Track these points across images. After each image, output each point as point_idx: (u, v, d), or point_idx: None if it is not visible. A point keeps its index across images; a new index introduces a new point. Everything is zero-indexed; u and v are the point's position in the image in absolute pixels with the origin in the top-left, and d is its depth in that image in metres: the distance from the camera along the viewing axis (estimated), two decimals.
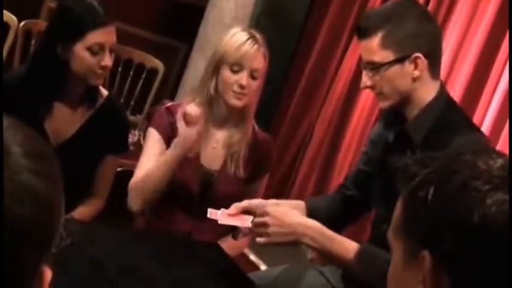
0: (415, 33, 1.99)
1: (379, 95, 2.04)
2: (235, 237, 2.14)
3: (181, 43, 4.63)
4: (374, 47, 1.99)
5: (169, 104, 2.47)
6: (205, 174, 2.43)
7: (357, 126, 3.92)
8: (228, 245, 2.35)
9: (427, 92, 2.03)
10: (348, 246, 1.95)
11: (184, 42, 4.58)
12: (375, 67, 1.99)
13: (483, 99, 3.26)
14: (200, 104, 2.37)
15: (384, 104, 2.06)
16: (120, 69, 4.11)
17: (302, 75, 4.33)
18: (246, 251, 2.62)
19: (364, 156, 2.26)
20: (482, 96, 3.27)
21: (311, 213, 2.18)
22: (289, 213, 2.00)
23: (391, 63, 1.98)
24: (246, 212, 2.05)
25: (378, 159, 2.15)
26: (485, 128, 3.11)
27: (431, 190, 0.94)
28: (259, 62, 2.35)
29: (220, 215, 2.04)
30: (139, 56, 4.25)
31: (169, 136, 2.38)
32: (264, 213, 1.98)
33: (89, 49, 2.24)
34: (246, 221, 2.02)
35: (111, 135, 2.44)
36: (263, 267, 2.55)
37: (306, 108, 4.29)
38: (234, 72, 2.32)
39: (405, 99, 2.03)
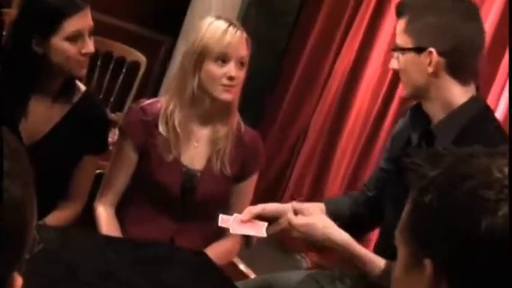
0: (436, 28, 1.97)
1: (401, 80, 2.07)
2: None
3: (165, 35, 4.62)
4: (400, 30, 2.03)
5: (145, 102, 2.40)
6: (187, 175, 2.37)
7: (355, 123, 3.90)
8: (215, 254, 2.29)
9: (451, 94, 1.98)
10: (377, 264, 1.96)
11: (168, 34, 4.55)
12: (396, 49, 2.03)
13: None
14: (179, 104, 2.31)
15: (403, 93, 2.11)
16: (99, 63, 4.12)
17: (296, 70, 4.34)
18: (236, 260, 2.54)
19: (385, 153, 2.25)
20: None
21: (333, 217, 2.15)
22: (315, 226, 1.99)
23: (408, 50, 2.00)
24: (259, 217, 2.00)
25: (396, 157, 2.13)
26: None
27: (438, 194, 0.93)
28: (245, 49, 2.28)
29: (232, 223, 1.98)
30: (120, 48, 4.20)
31: (141, 138, 2.35)
32: (289, 226, 1.98)
33: (68, 39, 2.20)
34: (260, 229, 1.97)
35: (89, 134, 2.36)
36: (253, 276, 2.48)
37: (301, 104, 4.28)
38: (220, 64, 2.24)
39: (423, 95, 2.02)
